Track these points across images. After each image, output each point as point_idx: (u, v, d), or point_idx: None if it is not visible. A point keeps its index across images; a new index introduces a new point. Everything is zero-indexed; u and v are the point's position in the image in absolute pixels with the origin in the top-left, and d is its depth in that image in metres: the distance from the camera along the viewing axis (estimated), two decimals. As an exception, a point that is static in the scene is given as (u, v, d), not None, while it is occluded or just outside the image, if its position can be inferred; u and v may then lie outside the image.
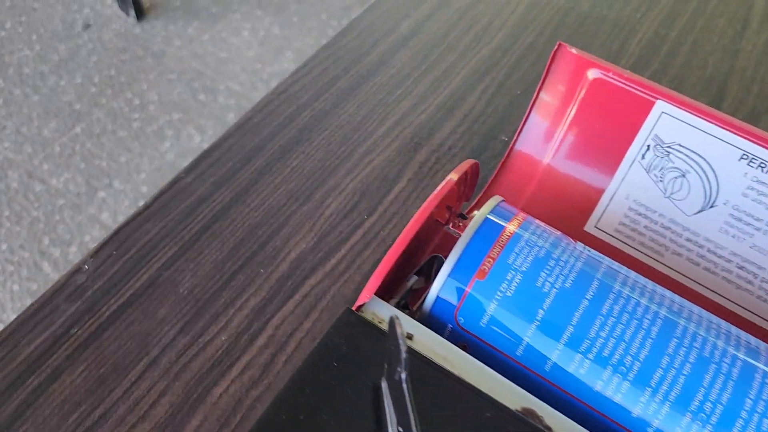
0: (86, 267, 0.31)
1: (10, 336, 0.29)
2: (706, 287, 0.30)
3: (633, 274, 0.24)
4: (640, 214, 0.31)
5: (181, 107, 1.40)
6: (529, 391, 0.22)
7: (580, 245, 0.25)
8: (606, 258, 0.25)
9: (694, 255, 0.30)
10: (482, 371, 0.22)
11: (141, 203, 1.22)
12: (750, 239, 0.29)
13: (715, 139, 0.29)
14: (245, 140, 0.36)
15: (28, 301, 1.10)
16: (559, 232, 0.26)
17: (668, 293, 0.24)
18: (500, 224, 0.24)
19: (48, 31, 1.59)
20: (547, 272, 0.23)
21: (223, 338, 0.29)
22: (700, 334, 0.22)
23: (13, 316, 1.09)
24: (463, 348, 0.23)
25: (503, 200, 0.26)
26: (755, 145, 0.28)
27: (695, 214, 0.30)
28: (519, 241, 0.24)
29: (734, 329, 0.23)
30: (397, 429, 0.19)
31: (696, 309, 0.24)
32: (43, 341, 0.29)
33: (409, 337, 0.22)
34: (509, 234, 0.24)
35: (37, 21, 1.62)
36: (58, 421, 0.26)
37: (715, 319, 0.23)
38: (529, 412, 0.21)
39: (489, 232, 0.24)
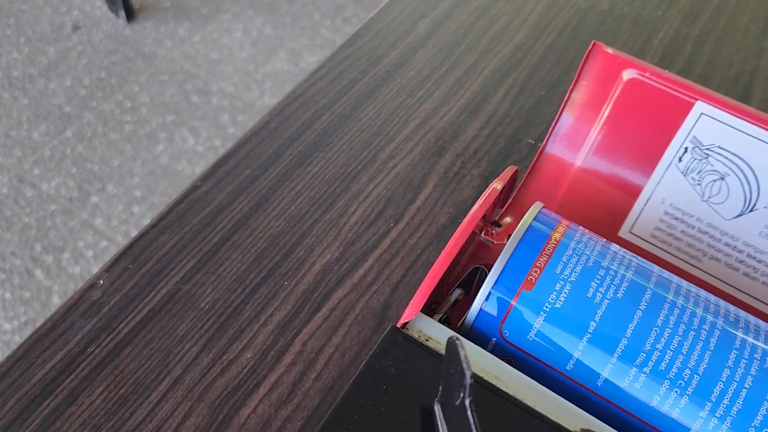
0: (101, 282, 0.30)
1: (24, 356, 0.27)
2: (745, 293, 0.29)
3: (685, 283, 0.23)
4: (676, 219, 0.30)
5: (173, 109, 1.38)
6: (583, 408, 0.21)
7: (628, 253, 0.24)
8: (656, 266, 0.24)
9: (733, 260, 0.29)
10: (537, 390, 0.21)
11: (135, 208, 1.20)
12: (789, 243, 0.28)
13: (758, 141, 0.28)
14: (263, 146, 0.35)
15: (21, 310, 1.08)
16: (604, 240, 0.24)
17: (722, 302, 0.23)
18: (545, 232, 0.23)
19: (36, 34, 1.56)
20: (598, 282, 0.22)
21: (249, 355, 0.28)
22: (759, 345, 0.21)
23: (6, 325, 1.06)
24: (508, 362, 0.22)
25: (544, 206, 0.25)
26: (797, 147, 0.28)
27: (734, 218, 0.29)
28: (566, 250, 0.23)
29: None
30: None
31: (752, 318, 0.23)
32: (58, 361, 0.27)
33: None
34: (555, 242, 0.23)
35: (25, 23, 1.59)
36: (79, 448, 0.25)
37: (773, 329, 0.22)
38: (588, 434, 0.20)
39: (534, 240, 0.23)
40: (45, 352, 0.27)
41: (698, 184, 0.30)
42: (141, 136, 1.33)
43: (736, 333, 0.21)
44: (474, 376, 0.21)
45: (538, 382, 0.21)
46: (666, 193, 0.30)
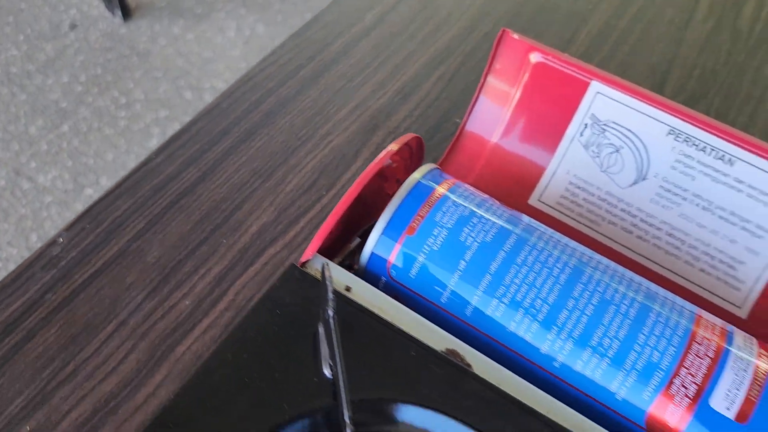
0: (61, 240, 0.33)
1: (-11, 301, 0.31)
2: (638, 254, 0.32)
3: (549, 231, 0.27)
4: (579, 188, 0.33)
5: (166, 105, 1.42)
6: (454, 335, 0.24)
7: (503, 206, 0.27)
8: (525, 216, 0.27)
9: (628, 224, 0.32)
10: (411, 318, 0.24)
11: (127, 199, 1.24)
12: (678, 208, 0.32)
13: (645, 116, 0.31)
14: (213, 124, 0.39)
15: (16, 296, 1.12)
16: (486, 195, 0.28)
17: (580, 246, 0.26)
18: (430, 186, 0.27)
19: (35, 32, 1.60)
20: (470, 228, 0.25)
21: (187, 302, 0.31)
22: (603, 281, 0.25)
23: (0, 311, 1.10)
24: (395, 298, 0.25)
25: (437, 167, 0.29)
26: (681, 121, 0.31)
27: (629, 186, 0.32)
28: (447, 202, 0.26)
29: (637, 277, 0.26)
30: (328, 363, 0.21)
31: (604, 260, 0.26)
32: (20, 306, 0.31)
33: (348, 289, 0.25)
34: (438, 195, 0.26)
35: (24, 21, 1.63)
36: (33, 375, 0.29)
37: (620, 268, 0.26)
38: (451, 352, 0.23)
39: (420, 193, 0.26)
40: (8, 299, 0.31)
41: (597, 156, 0.33)
42: (135, 131, 1.37)
43: (584, 270, 0.25)
44: (357, 305, 0.24)
45: (421, 314, 0.25)
46: (570, 165, 0.34)
